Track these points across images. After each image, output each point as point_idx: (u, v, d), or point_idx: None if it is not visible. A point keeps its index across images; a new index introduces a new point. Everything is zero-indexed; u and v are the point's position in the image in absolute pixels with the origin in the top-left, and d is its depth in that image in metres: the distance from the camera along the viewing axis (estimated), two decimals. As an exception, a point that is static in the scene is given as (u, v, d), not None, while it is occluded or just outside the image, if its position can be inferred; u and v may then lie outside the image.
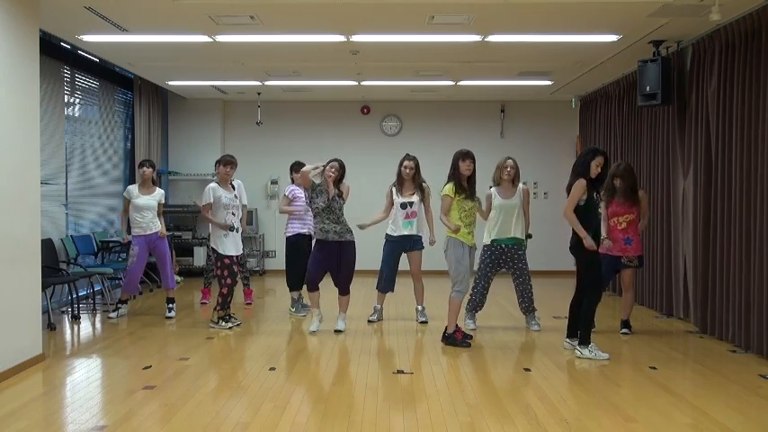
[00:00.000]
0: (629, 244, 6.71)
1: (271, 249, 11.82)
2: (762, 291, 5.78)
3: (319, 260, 6.76)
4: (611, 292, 9.26)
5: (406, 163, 7.25)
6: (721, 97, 6.48)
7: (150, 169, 7.69)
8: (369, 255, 8.00)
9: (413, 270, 7.38)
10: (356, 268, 6.96)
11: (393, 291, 7.51)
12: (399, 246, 7.32)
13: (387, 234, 7.37)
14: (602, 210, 6.31)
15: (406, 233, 7.24)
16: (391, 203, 7.30)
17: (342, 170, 6.79)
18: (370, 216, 7.37)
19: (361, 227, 7.04)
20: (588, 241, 5.79)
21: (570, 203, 5.85)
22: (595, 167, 5.84)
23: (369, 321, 7.41)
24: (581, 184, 5.83)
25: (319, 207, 6.70)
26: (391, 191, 7.32)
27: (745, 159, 6.06)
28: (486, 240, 6.93)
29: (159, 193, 7.73)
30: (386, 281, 7.39)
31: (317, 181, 6.78)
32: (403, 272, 7.48)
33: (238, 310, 7.83)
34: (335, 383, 5.22)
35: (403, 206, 7.22)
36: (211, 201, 6.98)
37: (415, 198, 7.22)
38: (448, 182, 6.33)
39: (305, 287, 7.88)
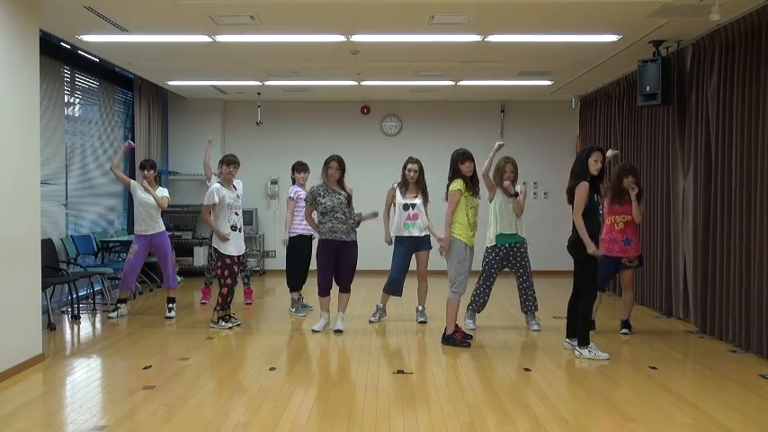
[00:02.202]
0: (629, 244, 6.71)
1: (271, 249, 11.83)
2: (762, 291, 5.78)
3: (326, 262, 6.75)
4: (612, 292, 9.26)
5: (410, 166, 7.24)
6: (721, 97, 6.48)
7: (151, 171, 7.66)
8: (370, 255, 8.00)
9: (420, 269, 7.37)
10: (359, 268, 6.97)
11: (400, 295, 7.45)
12: (410, 246, 7.30)
13: (396, 236, 7.34)
14: (601, 210, 6.29)
15: (406, 234, 7.23)
16: (392, 204, 7.30)
17: (342, 166, 6.79)
18: (368, 212, 7.34)
19: (360, 219, 7.02)
20: (591, 248, 5.77)
21: (578, 209, 5.81)
22: (594, 163, 5.82)
23: (370, 321, 7.41)
24: (584, 186, 5.80)
25: (327, 207, 6.70)
26: (394, 190, 7.31)
27: (745, 159, 6.06)
28: (491, 241, 6.93)
29: (159, 191, 7.71)
30: (394, 283, 7.34)
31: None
32: (410, 271, 7.46)
33: (238, 309, 7.84)
34: (335, 383, 5.22)
35: (405, 207, 7.22)
36: (216, 201, 6.96)
37: (418, 200, 7.22)
38: (452, 180, 6.30)
39: (304, 287, 7.95)
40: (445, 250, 6.21)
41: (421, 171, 7.25)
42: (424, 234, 7.25)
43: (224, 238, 6.93)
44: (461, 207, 6.21)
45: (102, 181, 9.77)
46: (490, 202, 6.89)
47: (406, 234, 7.23)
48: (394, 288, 7.35)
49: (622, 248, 6.72)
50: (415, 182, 7.23)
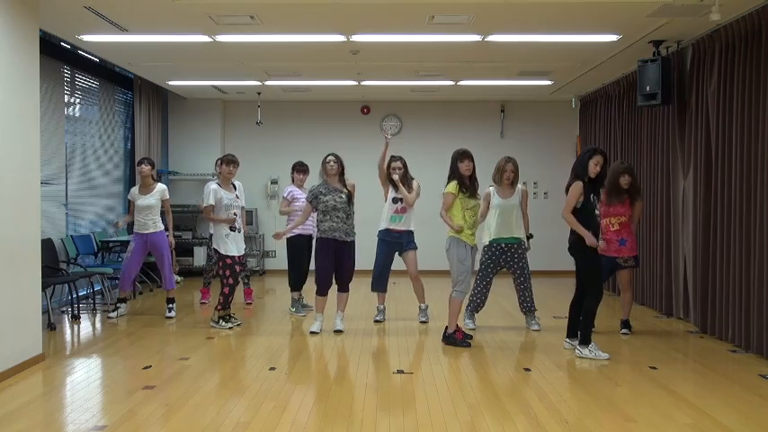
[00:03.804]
0: (624, 245, 6.71)
1: (271, 249, 11.83)
2: (762, 291, 5.78)
3: (326, 262, 6.73)
4: (611, 292, 9.26)
5: (393, 165, 7.26)
6: (721, 97, 6.48)
7: (148, 167, 7.66)
8: (370, 255, 8.00)
9: (410, 271, 7.35)
10: (359, 268, 6.98)
11: (385, 290, 7.46)
12: (393, 246, 7.31)
13: (379, 231, 7.34)
14: (598, 210, 6.30)
15: (392, 227, 7.22)
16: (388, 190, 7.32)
17: (340, 161, 6.80)
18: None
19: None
20: (590, 239, 5.78)
21: (567, 206, 5.84)
22: (594, 166, 5.83)
23: (375, 321, 7.41)
24: (578, 186, 5.82)
25: (328, 205, 6.70)
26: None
27: (746, 159, 6.06)
28: (486, 240, 6.94)
29: (158, 190, 7.66)
30: (377, 279, 7.36)
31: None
32: (403, 272, 7.47)
33: (238, 310, 7.83)
34: (335, 383, 5.22)
35: (395, 201, 7.24)
36: (213, 203, 6.97)
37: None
38: (450, 180, 6.32)
39: (304, 287, 7.95)
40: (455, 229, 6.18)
41: (405, 167, 7.26)
42: (406, 229, 7.24)
43: (229, 221, 6.92)
44: (458, 208, 6.22)
45: (102, 181, 9.77)
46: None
47: (392, 227, 7.23)
48: (377, 284, 7.39)
49: (617, 249, 6.71)
50: (401, 178, 7.24)
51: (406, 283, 7.59)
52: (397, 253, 7.36)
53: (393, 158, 7.30)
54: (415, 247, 7.34)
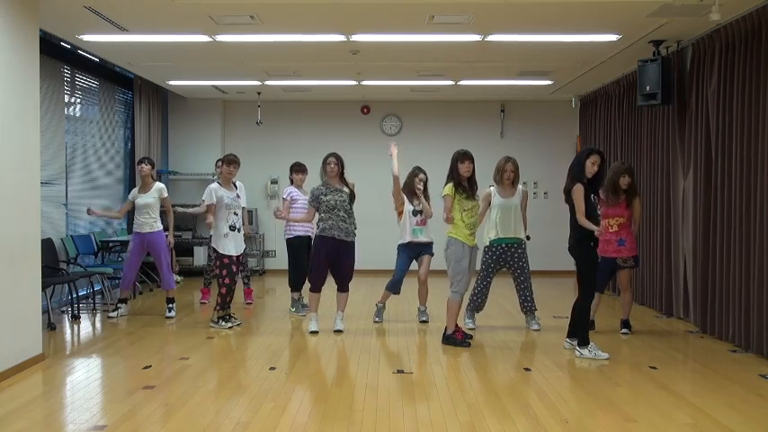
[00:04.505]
0: (623, 245, 6.71)
1: (271, 249, 11.83)
2: (762, 291, 5.78)
3: (322, 259, 6.73)
4: (611, 292, 9.26)
5: (421, 176, 7.27)
6: (721, 97, 6.48)
7: (148, 166, 7.66)
8: (371, 254, 8.02)
9: (420, 273, 7.37)
10: (359, 267, 6.98)
11: (399, 293, 7.49)
12: (414, 252, 7.35)
13: (399, 245, 7.38)
14: (598, 210, 6.28)
15: (414, 239, 7.27)
16: (402, 202, 7.31)
17: (341, 161, 6.81)
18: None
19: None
20: (599, 230, 5.78)
21: (579, 210, 5.80)
22: (591, 165, 5.82)
23: (375, 321, 7.42)
24: (580, 189, 5.81)
25: (329, 205, 6.70)
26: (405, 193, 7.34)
27: (746, 159, 6.06)
28: (486, 241, 6.94)
29: (156, 189, 7.63)
30: (396, 283, 7.39)
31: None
32: (410, 272, 7.46)
33: (238, 309, 7.83)
34: (335, 383, 5.22)
35: (414, 213, 7.26)
36: (214, 201, 6.97)
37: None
38: (447, 182, 6.32)
39: (305, 287, 7.94)
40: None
41: (426, 181, 7.30)
42: (427, 240, 7.32)
43: (214, 203, 6.94)
44: (456, 210, 6.22)
45: (102, 181, 9.77)
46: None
47: (414, 240, 7.27)
48: (395, 287, 7.42)
49: (616, 249, 6.71)
50: (421, 192, 7.26)
51: (407, 285, 7.57)
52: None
53: (419, 169, 7.33)
54: (432, 254, 7.37)
